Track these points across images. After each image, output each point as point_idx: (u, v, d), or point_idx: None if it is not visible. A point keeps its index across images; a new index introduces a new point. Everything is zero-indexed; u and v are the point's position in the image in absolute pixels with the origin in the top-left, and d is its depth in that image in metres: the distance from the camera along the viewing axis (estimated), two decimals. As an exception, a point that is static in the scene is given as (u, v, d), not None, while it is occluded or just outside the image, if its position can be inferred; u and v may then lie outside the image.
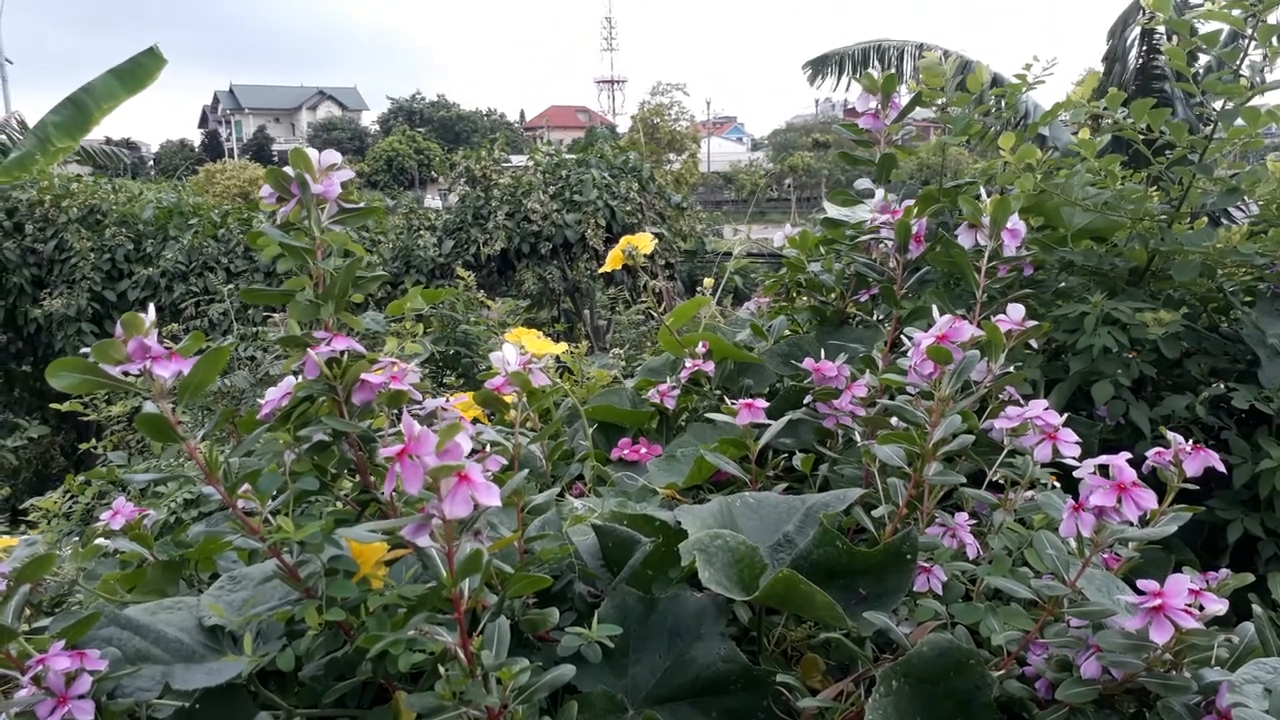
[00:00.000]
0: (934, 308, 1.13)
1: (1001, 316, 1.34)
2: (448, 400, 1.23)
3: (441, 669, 0.82)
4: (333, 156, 1.11)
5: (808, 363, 1.62)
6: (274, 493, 0.94)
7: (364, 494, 1.03)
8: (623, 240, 1.80)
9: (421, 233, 5.98)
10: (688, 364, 1.75)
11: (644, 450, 1.69)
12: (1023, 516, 1.09)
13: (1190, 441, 1.02)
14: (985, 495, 1.09)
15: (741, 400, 1.40)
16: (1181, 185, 1.88)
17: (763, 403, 1.40)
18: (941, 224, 2.03)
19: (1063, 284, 1.94)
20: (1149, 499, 0.86)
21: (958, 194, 2.06)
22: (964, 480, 1.05)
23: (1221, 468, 0.99)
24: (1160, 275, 1.97)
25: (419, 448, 0.73)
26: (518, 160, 6.55)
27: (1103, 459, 0.89)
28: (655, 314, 4.21)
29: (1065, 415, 1.73)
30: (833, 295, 1.99)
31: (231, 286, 5.34)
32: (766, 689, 0.97)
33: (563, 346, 1.57)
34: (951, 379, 1.03)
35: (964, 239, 1.47)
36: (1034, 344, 1.90)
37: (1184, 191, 1.86)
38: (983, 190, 1.84)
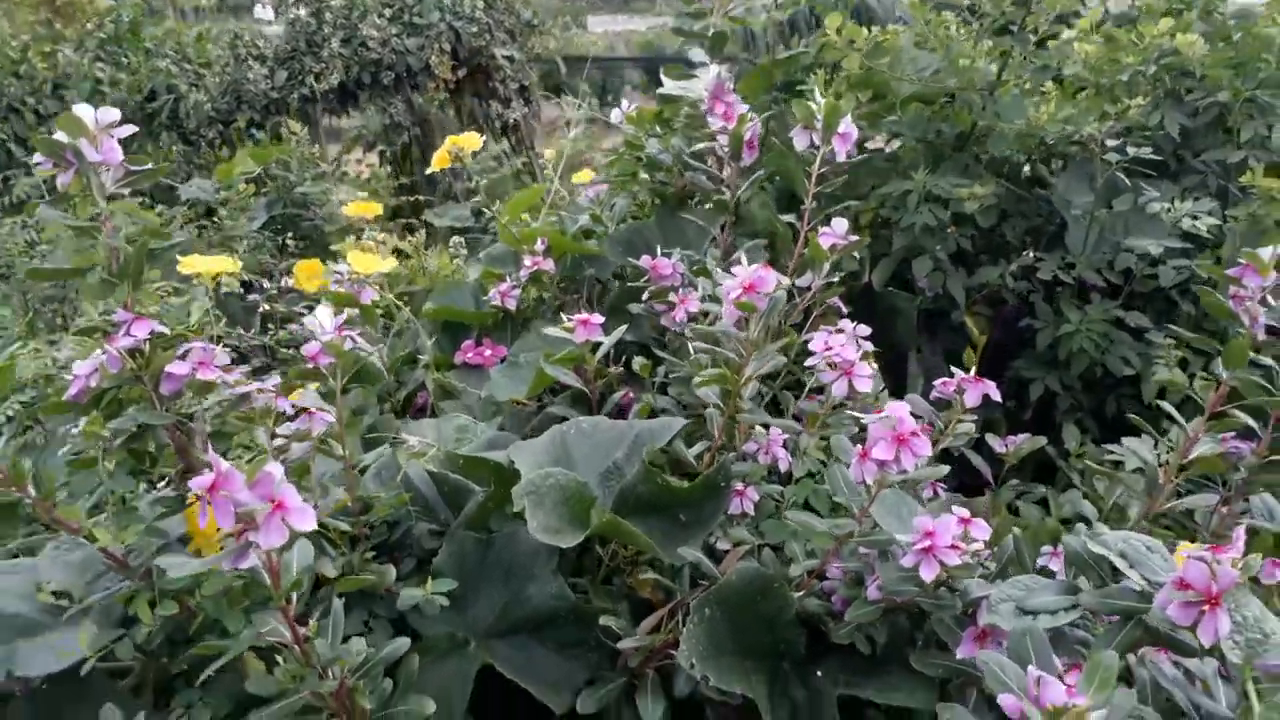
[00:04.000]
0: (743, 255, 1.15)
1: (825, 230, 1.39)
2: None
3: (279, 660, 0.87)
4: (110, 114, 1.02)
5: (644, 260, 1.65)
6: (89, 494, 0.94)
7: (188, 474, 1.03)
8: (448, 141, 1.74)
9: (250, 63, 5.52)
10: (527, 262, 1.75)
11: (488, 353, 1.71)
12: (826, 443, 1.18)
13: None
14: (790, 424, 1.17)
15: (577, 316, 1.43)
16: (1004, 56, 1.92)
17: (598, 318, 1.43)
18: (776, 101, 2.03)
19: (890, 153, 1.99)
20: (924, 447, 0.94)
21: (791, 64, 2.05)
22: (769, 418, 1.13)
23: (997, 397, 1.10)
24: (984, 137, 2.04)
25: (228, 484, 0.74)
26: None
27: (890, 407, 0.97)
28: (510, 156, 4.09)
29: (883, 287, 1.81)
30: (673, 174, 1.99)
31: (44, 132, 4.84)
32: (595, 621, 1.06)
33: (392, 263, 1.55)
34: (759, 323, 1.07)
35: (798, 140, 1.47)
36: (860, 220, 1.98)
37: (1004, 62, 1.90)
38: (812, 80, 1.85)
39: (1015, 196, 2.03)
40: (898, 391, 1.92)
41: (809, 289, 1.44)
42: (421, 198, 3.65)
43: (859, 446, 0.97)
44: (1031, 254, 1.87)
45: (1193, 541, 1.22)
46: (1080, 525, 0.99)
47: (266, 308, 2.34)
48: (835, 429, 1.13)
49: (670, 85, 1.99)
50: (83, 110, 1.01)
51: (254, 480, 0.75)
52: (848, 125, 1.46)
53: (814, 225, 1.42)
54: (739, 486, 1.14)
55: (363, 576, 0.93)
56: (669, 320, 1.60)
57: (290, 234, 3.14)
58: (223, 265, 1.64)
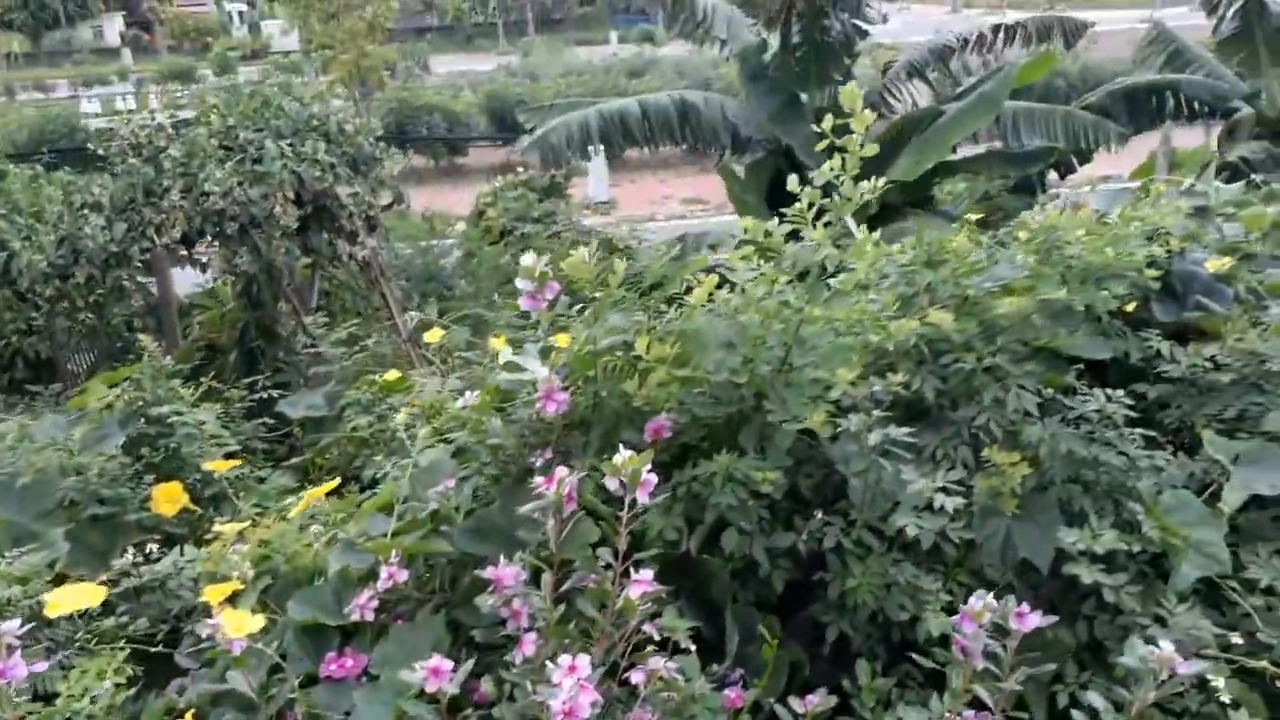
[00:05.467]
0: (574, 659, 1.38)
1: (637, 578, 1.68)
2: None
3: None
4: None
5: (490, 572, 1.88)
6: None
7: None
8: (308, 493, 1.94)
9: (87, 214, 5.46)
10: (384, 574, 1.96)
11: (350, 663, 1.91)
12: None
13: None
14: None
15: (429, 664, 1.66)
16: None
17: (448, 664, 1.67)
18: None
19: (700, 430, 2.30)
20: None
21: (609, 353, 2.35)
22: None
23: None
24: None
25: None
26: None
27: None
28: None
29: (699, 554, 2.09)
30: (513, 454, 2.25)
31: None
32: None
33: (260, 621, 1.73)
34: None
35: (608, 483, 1.76)
36: (678, 493, 2.28)
37: (787, 349, 2.25)
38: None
39: (807, 445, 2.38)
40: (717, 640, 2.22)
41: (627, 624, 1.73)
42: (276, 393, 3.76)
43: None
44: (820, 514, 2.21)
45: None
46: None
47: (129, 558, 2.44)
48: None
49: (507, 377, 2.25)
50: (-13, 628, 1.18)
51: None
52: (647, 475, 1.76)
53: (626, 572, 1.72)
54: None
55: None
56: (512, 625, 1.84)
57: (148, 448, 3.22)
58: (87, 598, 1.79)
